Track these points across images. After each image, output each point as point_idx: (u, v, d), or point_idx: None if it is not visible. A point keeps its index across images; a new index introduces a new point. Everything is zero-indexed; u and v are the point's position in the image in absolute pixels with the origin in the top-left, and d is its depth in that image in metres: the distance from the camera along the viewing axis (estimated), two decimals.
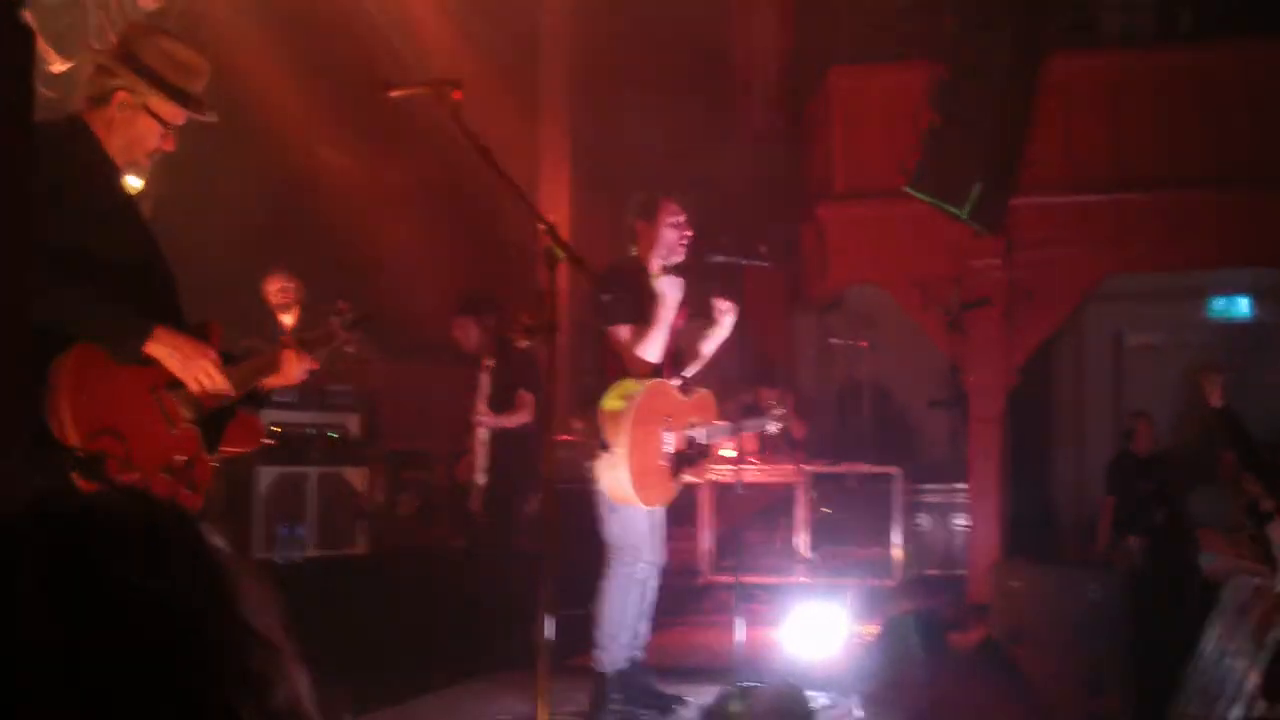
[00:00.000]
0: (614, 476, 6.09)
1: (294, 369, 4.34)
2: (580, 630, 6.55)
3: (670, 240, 6.45)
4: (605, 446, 6.07)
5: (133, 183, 4.23)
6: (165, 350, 3.91)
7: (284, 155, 10.00)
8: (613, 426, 6.08)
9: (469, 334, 8.93)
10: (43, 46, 9.24)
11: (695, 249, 6.56)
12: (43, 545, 1.04)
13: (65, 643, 1.00)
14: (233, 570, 1.12)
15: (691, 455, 6.39)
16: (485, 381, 8.51)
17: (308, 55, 9.93)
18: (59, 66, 9.37)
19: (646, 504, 6.20)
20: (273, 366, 4.31)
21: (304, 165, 10.30)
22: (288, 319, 8.98)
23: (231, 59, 9.35)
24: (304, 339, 4.51)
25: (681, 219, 6.48)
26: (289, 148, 10.14)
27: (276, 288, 8.98)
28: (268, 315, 8.96)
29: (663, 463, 6.24)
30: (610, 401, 6.14)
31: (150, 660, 1.01)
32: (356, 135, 10.32)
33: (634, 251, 6.52)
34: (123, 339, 3.86)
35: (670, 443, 6.25)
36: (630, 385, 6.16)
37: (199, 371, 3.97)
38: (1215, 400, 8.64)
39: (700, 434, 6.43)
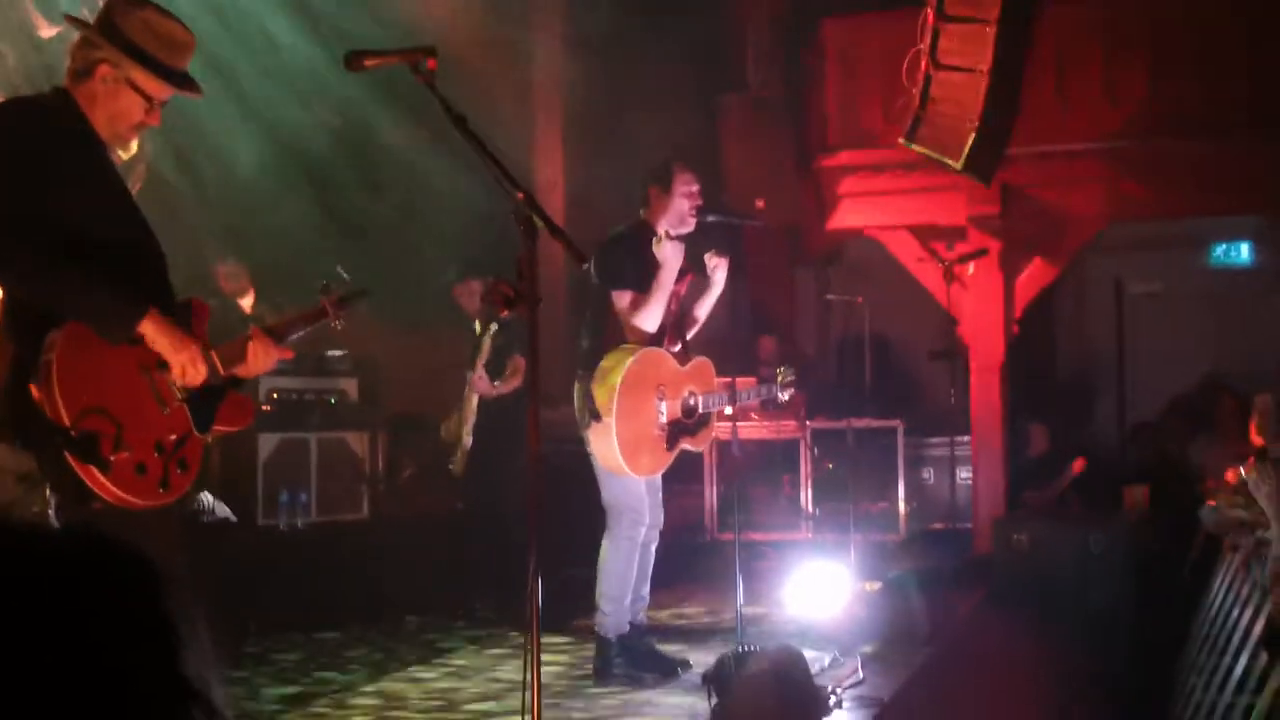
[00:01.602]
0: (604, 445, 6.10)
1: (259, 360, 4.16)
2: (583, 592, 6.56)
3: (682, 209, 6.42)
4: (596, 416, 6.09)
5: (128, 146, 4.16)
6: (154, 332, 3.87)
7: (278, 117, 9.92)
8: (601, 396, 6.08)
9: (474, 298, 8.86)
10: (30, 11, 9.19)
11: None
12: None
13: None
14: (179, 622, 1.07)
15: (689, 424, 6.38)
16: (488, 346, 8.44)
17: (301, 16, 9.85)
18: (46, 31, 9.30)
19: (637, 473, 6.20)
20: (239, 357, 4.12)
21: (300, 128, 10.22)
22: (245, 303, 8.95)
23: (226, 20, 9.29)
24: (284, 321, 4.43)
25: (695, 188, 6.46)
26: (283, 109, 10.06)
27: (225, 273, 8.96)
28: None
29: (657, 432, 6.22)
30: (600, 371, 6.13)
31: (68, 709, 0.97)
32: (353, 96, 10.23)
33: (643, 215, 6.49)
34: (112, 324, 3.82)
35: (664, 411, 6.24)
36: (620, 355, 6.15)
37: (184, 362, 3.93)
38: None
39: (698, 402, 6.41)
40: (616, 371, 6.07)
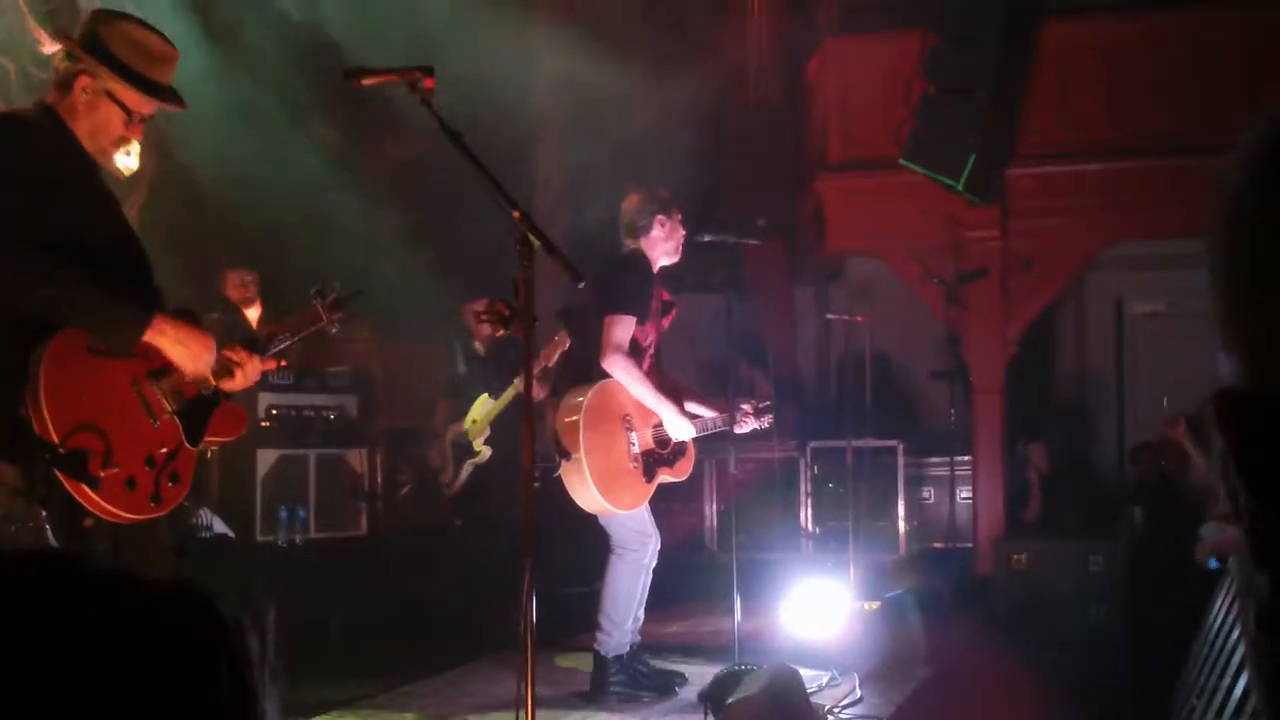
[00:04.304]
0: (579, 484, 5.98)
1: (243, 375, 4.12)
2: (580, 610, 6.54)
3: (680, 240, 6.44)
4: (564, 454, 5.99)
5: (128, 163, 4.14)
6: (168, 339, 3.86)
7: (276, 133, 9.93)
8: (566, 433, 5.99)
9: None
10: (33, 26, 9.21)
11: (689, 227, 6.54)
12: None
13: None
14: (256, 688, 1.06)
15: (664, 455, 6.30)
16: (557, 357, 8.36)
17: (300, 31, 9.86)
18: (50, 47, 9.32)
19: (619, 508, 6.09)
20: (225, 371, 4.09)
21: (294, 143, 10.23)
22: (252, 313, 8.93)
23: (222, 38, 9.30)
24: (272, 330, 4.39)
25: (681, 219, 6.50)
26: (281, 126, 10.08)
27: (236, 282, 8.92)
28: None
29: (631, 464, 6.14)
30: (562, 408, 6.05)
31: None
32: (349, 112, 10.24)
33: (639, 244, 6.43)
34: (124, 328, 3.80)
35: (635, 443, 6.17)
36: (580, 389, 6.07)
37: (200, 362, 3.93)
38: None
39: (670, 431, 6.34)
40: (578, 406, 5.99)
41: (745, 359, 11.72)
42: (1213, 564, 7.16)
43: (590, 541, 6.48)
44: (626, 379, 6.11)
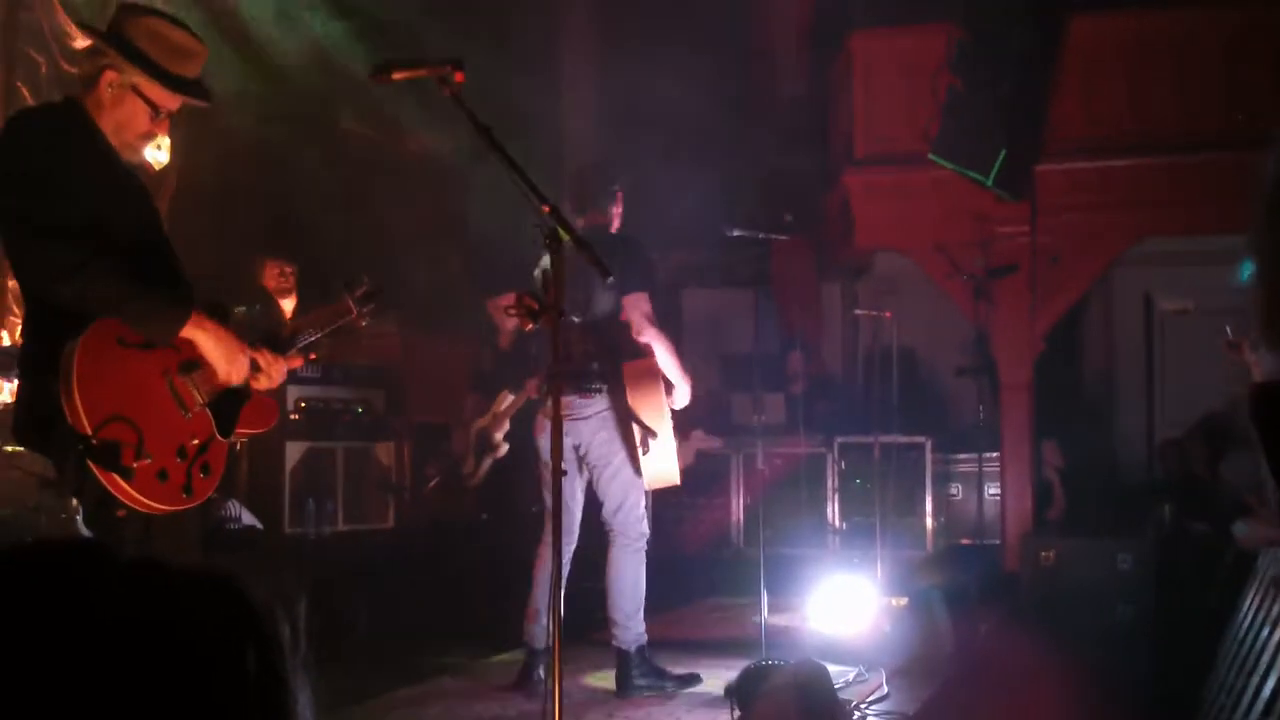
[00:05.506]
0: (666, 461, 5.97)
1: (263, 380, 4.12)
2: (596, 605, 6.52)
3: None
4: (653, 434, 5.93)
5: (158, 157, 4.15)
6: (208, 337, 3.87)
7: (301, 125, 9.94)
8: (652, 413, 5.94)
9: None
10: (65, 20, 9.26)
11: (715, 223, 6.53)
12: None
13: None
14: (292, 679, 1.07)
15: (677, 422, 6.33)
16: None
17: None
18: (81, 42, 9.35)
19: (678, 480, 6.15)
20: (251, 371, 4.08)
21: (321, 136, 10.25)
22: (287, 304, 8.94)
23: (246, 30, 9.32)
24: (297, 326, 4.39)
25: None
26: (308, 118, 10.10)
27: (275, 273, 8.92)
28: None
29: (676, 435, 6.18)
30: (637, 389, 6.01)
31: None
32: (376, 105, 10.25)
33: (608, 217, 6.40)
34: (164, 319, 3.81)
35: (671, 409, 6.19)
36: (645, 364, 6.05)
37: (236, 367, 3.93)
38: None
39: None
40: (655, 384, 5.97)
41: (801, 351, 11.70)
42: None
43: (598, 535, 6.46)
44: (665, 352, 6.11)
